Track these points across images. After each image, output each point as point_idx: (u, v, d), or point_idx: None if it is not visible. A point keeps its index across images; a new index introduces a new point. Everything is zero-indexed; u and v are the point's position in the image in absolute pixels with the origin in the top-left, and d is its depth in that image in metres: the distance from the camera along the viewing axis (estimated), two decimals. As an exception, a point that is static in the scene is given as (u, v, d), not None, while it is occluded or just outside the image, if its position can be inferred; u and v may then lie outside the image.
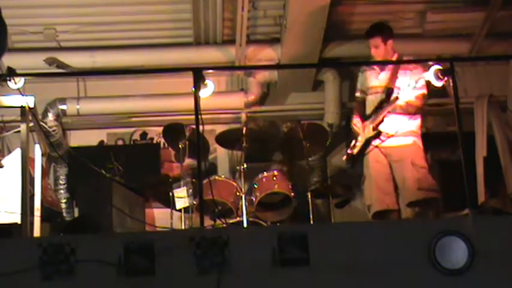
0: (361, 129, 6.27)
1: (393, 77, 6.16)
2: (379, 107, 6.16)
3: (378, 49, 6.26)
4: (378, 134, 6.13)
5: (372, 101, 6.28)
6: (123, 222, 6.60)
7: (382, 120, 6.11)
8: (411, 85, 5.93)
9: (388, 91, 6.11)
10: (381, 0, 8.12)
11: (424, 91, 6.05)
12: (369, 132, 6.18)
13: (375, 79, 6.31)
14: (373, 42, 6.29)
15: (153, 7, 8.13)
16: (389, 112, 6.10)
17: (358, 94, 6.54)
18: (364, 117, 6.30)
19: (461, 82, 7.63)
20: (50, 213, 6.45)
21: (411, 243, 4.42)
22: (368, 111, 6.30)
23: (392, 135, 6.07)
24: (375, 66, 6.39)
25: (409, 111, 6.09)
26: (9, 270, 4.15)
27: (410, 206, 6.12)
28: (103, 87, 8.60)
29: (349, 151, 6.42)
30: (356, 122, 6.35)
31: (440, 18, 8.18)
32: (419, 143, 6.15)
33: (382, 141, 6.12)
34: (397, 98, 6.01)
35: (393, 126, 6.08)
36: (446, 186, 6.69)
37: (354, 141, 6.38)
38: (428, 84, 5.85)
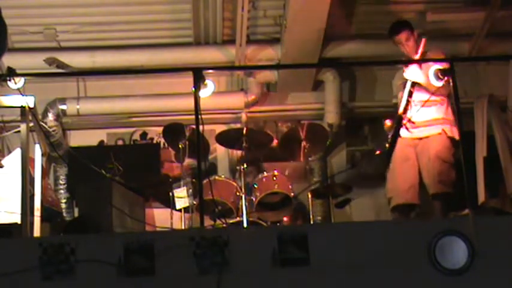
0: (391, 124, 6.21)
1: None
2: (409, 95, 6.09)
3: (409, 41, 6.15)
4: (399, 121, 6.02)
5: (401, 96, 6.21)
6: (123, 222, 6.60)
7: (406, 106, 6.03)
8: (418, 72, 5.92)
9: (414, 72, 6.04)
10: (381, 0, 8.12)
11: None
12: (394, 122, 6.11)
13: (402, 77, 6.25)
14: (403, 36, 6.16)
15: (153, 7, 8.12)
16: (416, 98, 6.01)
17: (394, 101, 6.44)
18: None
19: (461, 82, 7.63)
20: (50, 213, 6.45)
21: (411, 243, 4.42)
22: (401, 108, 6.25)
23: (419, 125, 5.99)
24: (401, 66, 6.31)
25: (435, 92, 5.93)
26: (9, 270, 4.15)
27: (433, 199, 6.06)
28: (103, 87, 8.60)
29: (383, 146, 6.33)
30: (387, 121, 6.27)
31: (440, 18, 8.17)
32: (449, 131, 6.01)
33: (410, 132, 6.03)
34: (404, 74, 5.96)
35: (420, 114, 5.99)
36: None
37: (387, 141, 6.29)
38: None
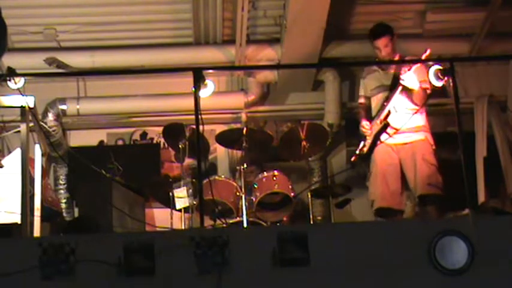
0: (369, 129, 6.24)
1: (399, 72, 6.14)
2: (385, 101, 6.14)
3: (387, 48, 6.22)
4: (385, 127, 6.08)
5: (377, 100, 6.25)
6: (123, 222, 6.61)
7: (389, 113, 6.09)
8: (415, 79, 5.97)
9: (395, 76, 6.08)
10: (381, 0, 8.12)
11: (428, 86, 6.01)
12: (377, 127, 6.16)
13: (377, 80, 6.30)
14: (383, 41, 6.23)
15: (153, 7, 8.12)
16: (397, 105, 6.07)
17: (362, 100, 6.50)
18: (372, 119, 6.28)
19: (461, 82, 7.64)
20: (50, 213, 6.45)
21: (411, 243, 4.41)
22: (374, 111, 6.28)
23: (399, 130, 6.03)
24: (376, 67, 6.38)
25: (414, 101, 6.05)
26: (9, 270, 4.15)
27: (419, 200, 6.09)
28: (103, 87, 8.60)
29: (357, 151, 6.37)
30: (364, 124, 6.31)
31: (440, 18, 8.17)
32: (430, 139, 6.12)
33: (390, 136, 6.09)
34: (402, 80, 6.00)
35: (401, 121, 6.05)
36: (446, 186, 6.68)
37: (362, 143, 6.32)
38: (431, 85, 5.85)
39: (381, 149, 6.16)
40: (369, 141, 6.23)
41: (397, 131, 6.07)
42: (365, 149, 6.25)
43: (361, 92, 6.55)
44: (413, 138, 6.09)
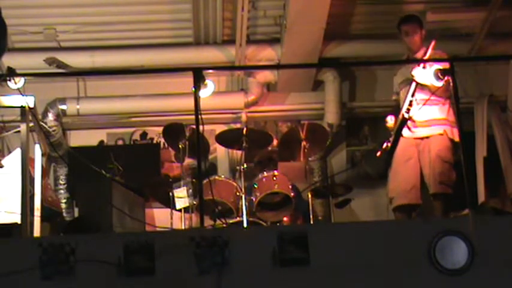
0: (394, 123, 6.20)
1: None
2: (409, 94, 6.06)
3: (414, 35, 6.13)
4: (405, 120, 6.00)
5: (403, 94, 6.18)
6: (123, 222, 6.61)
7: (410, 106, 6.01)
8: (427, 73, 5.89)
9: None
10: (381, 0, 8.12)
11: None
12: (398, 121, 6.08)
13: (403, 74, 6.25)
14: (411, 27, 6.17)
15: (153, 7, 8.12)
16: (418, 97, 5.99)
17: (394, 97, 6.44)
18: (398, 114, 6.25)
19: (461, 82, 7.63)
20: (50, 213, 6.46)
21: (411, 243, 4.42)
22: (401, 105, 6.18)
23: (421, 124, 5.98)
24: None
25: (436, 93, 5.93)
26: (9, 270, 4.15)
27: (434, 199, 6.06)
28: (103, 87, 8.60)
29: (384, 146, 6.30)
30: (388, 118, 6.25)
31: (440, 18, 8.16)
32: (450, 132, 5.99)
33: (412, 132, 6.03)
34: (412, 76, 5.94)
35: (420, 114, 5.98)
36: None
37: (388, 140, 6.24)
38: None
39: (401, 144, 6.09)
40: (392, 136, 6.18)
41: (415, 123, 6.00)
42: (389, 144, 6.19)
43: (394, 89, 6.49)
44: (430, 132, 6.01)
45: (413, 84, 6.02)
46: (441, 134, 6.03)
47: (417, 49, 6.19)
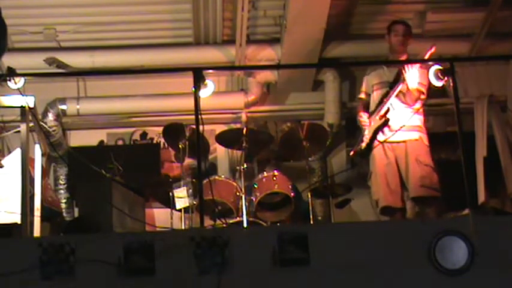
0: (368, 122, 6.24)
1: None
2: (385, 96, 6.14)
3: (403, 37, 6.25)
4: (385, 123, 6.08)
5: (377, 95, 6.25)
6: (123, 222, 6.60)
7: (388, 109, 6.09)
8: (416, 77, 5.98)
9: (398, 73, 6.09)
10: (381, 0, 8.12)
11: (424, 90, 6.05)
12: (376, 123, 6.15)
13: (380, 76, 6.29)
14: (401, 27, 6.30)
15: (153, 7, 8.12)
16: (393, 103, 6.08)
17: (362, 95, 6.50)
18: (370, 113, 6.29)
19: (461, 82, 7.63)
20: (50, 213, 6.46)
21: (411, 243, 4.42)
22: (372, 107, 6.28)
23: (397, 129, 6.02)
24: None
25: (406, 100, 6.07)
26: (9, 270, 4.15)
27: (414, 202, 6.10)
28: (103, 87, 8.60)
29: (356, 147, 6.36)
30: (362, 114, 6.33)
31: (440, 18, 8.17)
32: (425, 139, 6.11)
33: (388, 136, 6.08)
34: (403, 78, 6.01)
35: (398, 119, 6.05)
36: (446, 186, 6.70)
37: (361, 138, 6.33)
38: (429, 87, 5.86)
39: (379, 148, 6.16)
40: (367, 136, 6.23)
41: (394, 130, 6.06)
42: (363, 145, 6.25)
43: (363, 88, 6.54)
44: (407, 137, 6.08)
45: (399, 86, 6.05)
46: (417, 140, 6.10)
47: (402, 52, 6.29)
